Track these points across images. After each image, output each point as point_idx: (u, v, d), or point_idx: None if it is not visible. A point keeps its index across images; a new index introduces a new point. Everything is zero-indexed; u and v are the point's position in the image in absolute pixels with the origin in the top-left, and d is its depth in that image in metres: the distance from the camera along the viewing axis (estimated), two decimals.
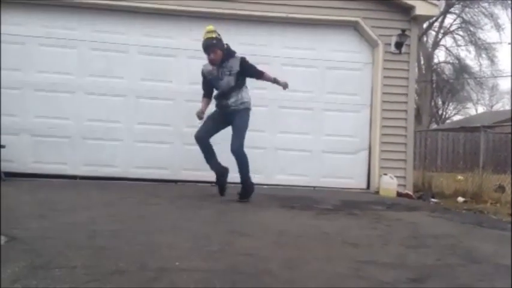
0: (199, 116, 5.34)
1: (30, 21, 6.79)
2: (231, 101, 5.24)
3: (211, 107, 5.51)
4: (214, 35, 5.14)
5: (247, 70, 5.28)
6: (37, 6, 6.78)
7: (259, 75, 5.37)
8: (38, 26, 6.81)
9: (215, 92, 5.39)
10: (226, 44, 5.27)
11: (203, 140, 5.23)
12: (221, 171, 5.30)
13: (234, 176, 5.35)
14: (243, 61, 5.26)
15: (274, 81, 5.44)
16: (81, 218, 3.81)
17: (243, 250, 2.94)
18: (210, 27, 5.23)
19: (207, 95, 5.45)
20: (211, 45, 5.11)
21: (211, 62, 5.22)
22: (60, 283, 2.07)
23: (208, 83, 5.38)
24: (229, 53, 5.25)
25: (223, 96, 5.28)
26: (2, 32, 6.62)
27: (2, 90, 6.62)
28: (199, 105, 5.58)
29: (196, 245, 3.02)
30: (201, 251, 2.87)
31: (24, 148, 6.70)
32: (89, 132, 6.85)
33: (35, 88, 6.78)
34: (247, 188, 5.26)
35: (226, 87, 5.23)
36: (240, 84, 5.26)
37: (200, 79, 5.49)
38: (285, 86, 5.46)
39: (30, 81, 6.76)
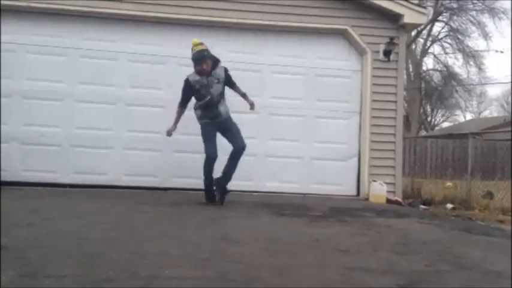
0: (169, 133, 5.63)
1: (21, 29, 6.75)
2: (222, 109, 5.46)
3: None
4: (204, 47, 5.38)
5: (229, 79, 5.56)
6: (27, 14, 6.74)
7: (234, 84, 5.64)
8: (28, 33, 6.77)
9: (202, 102, 5.46)
10: (213, 55, 5.49)
11: (215, 160, 5.40)
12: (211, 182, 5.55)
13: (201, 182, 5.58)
14: (226, 70, 5.54)
15: (244, 95, 5.66)
16: (70, 226, 3.78)
17: (233, 257, 2.94)
18: (196, 40, 5.46)
19: (184, 105, 5.59)
20: (204, 57, 5.32)
21: (201, 72, 5.36)
22: None
23: (192, 93, 5.49)
24: (215, 62, 5.45)
25: (213, 105, 5.42)
26: None
27: None
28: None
29: (186, 253, 3.01)
30: (191, 258, 2.86)
31: (14, 156, 6.64)
32: (79, 140, 6.81)
33: (25, 96, 6.73)
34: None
35: (217, 93, 5.40)
36: (224, 92, 5.54)
37: None
38: (251, 105, 5.66)
39: (20, 89, 6.72)
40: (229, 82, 5.56)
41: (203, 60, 5.31)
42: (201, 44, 5.40)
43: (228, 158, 5.53)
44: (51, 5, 6.66)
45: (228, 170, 5.47)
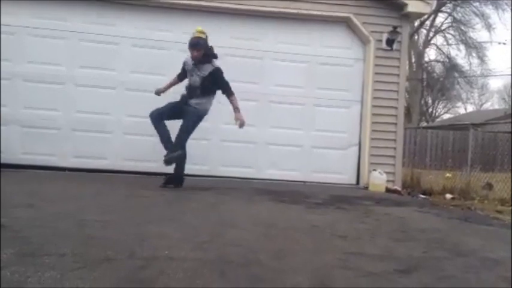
0: (158, 92, 5.73)
1: (21, 12, 6.71)
2: (193, 101, 5.43)
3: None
4: (203, 36, 5.37)
5: (216, 80, 5.41)
6: None
7: (228, 92, 5.48)
8: (28, 16, 6.74)
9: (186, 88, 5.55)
10: (211, 47, 5.44)
11: (152, 116, 5.42)
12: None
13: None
14: (216, 70, 5.42)
15: (235, 109, 5.46)
16: (70, 208, 3.80)
17: (232, 241, 2.95)
18: (200, 28, 5.43)
19: (180, 78, 5.71)
20: (197, 44, 5.33)
21: (192, 58, 5.42)
22: (49, 270, 2.06)
23: (184, 73, 5.63)
24: (208, 57, 5.41)
25: (188, 94, 5.48)
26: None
27: None
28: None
29: (185, 236, 3.02)
30: (191, 241, 2.88)
31: (13, 139, 6.64)
32: (79, 124, 6.81)
33: (25, 79, 6.72)
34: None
35: (194, 85, 5.43)
36: (206, 90, 5.42)
37: None
38: (241, 123, 5.44)
39: (20, 72, 6.70)
40: (216, 84, 5.44)
41: (195, 47, 5.32)
42: (202, 33, 5.38)
43: None
44: None
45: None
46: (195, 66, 5.41)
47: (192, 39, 5.35)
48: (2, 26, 6.60)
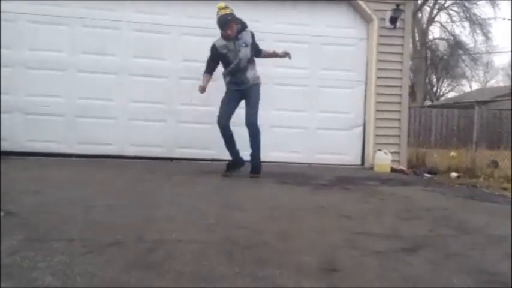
0: (202, 90, 5.40)
1: None
2: (249, 75, 5.35)
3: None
4: (228, 11, 5.21)
5: (255, 44, 5.42)
6: None
7: (261, 52, 5.55)
8: (28, 2, 6.68)
9: (229, 67, 5.33)
10: (239, 18, 5.31)
11: (226, 126, 5.31)
12: (239, 163, 5.45)
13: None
14: (253, 34, 5.40)
15: (274, 54, 5.60)
16: (76, 194, 3.82)
17: (238, 223, 2.97)
18: (222, 4, 5.28)
19: (210, 71, 5.45)
20: (228, 21, 5.18)
21: (226, 37, 5.25)
22: (58, 255, 2.09)
23: (219, 58, 5.36)
24: (243, 27, 5.32)
25: (240, 71, 5.32)
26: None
27: None
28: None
29: (192, 219, 3.05)
30: (197, 224, 2.90)
31: (17, 126, 6.65)
32: (82, 111, 6.80)
33: (27, 66, 6.69)
34: (260, 162, 5.45)
35: (245, 58, 5.30)
36: (253, 58, 5.41)
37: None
38: (286, 54, 5.59)
39: (22, 59, 6.68)
40: (256, 48, 5.44)
41: (227, 24, 5.18)
42: (226, 7, 5.23)
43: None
44: None
45: (252, 143, 5.40)
46: (237, 41, 5.25)
47: (221, 17, 5.18)
48: (3, 13, 6.56)
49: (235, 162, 5.44)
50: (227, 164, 5.49)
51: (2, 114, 6.54)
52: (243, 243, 2.48)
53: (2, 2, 6.54)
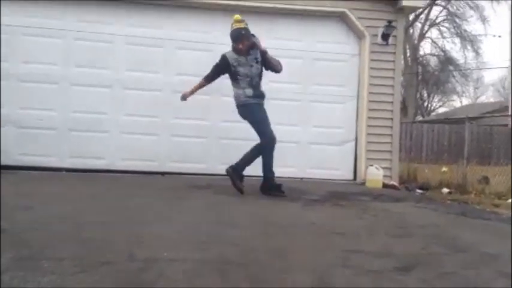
0: (184, 98, 5.41)
1: (15, 11, 6.65)
2: (263, 89, 5.36)
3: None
4: (243, 25, 5.17)
5: (266, 60, 5.30)
6: None
7: (270, 64, 5.37)
8: (22, 16, 6.68)
9: (244, 81, 5.23)
10: (253, 34, 5.25)
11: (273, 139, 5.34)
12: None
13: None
14: (263, 53, 5.26)
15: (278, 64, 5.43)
16: (68, 210, 3.79)
17: (231, 240, 2.96)
18: (238, 16, 5.25)
19: (209, 80, 5.39)
20: (241, 36, 5.13)
21: (238, 51, 5.20)
22: (48, 274, 2.06)
23: (226, 70, 5.29)
24: (254, 43, 5.22)
25: (256, 86, 5.28)
26: None
27: None
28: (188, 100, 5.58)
29: (184, 236, 3.03)
30: (190, 241, 2.88)
31: (9, 140, 6.60)
32: (75, 124, 6.77)
33: (20, 79, 6.67)
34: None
35: (257, 73, 5.27)
36: (262, 74, 5.38)
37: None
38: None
39: (15, 72, 6.65)
40: (265, 63, 5.30)
41: (240, 38, 5.12)
42: (242, 21, 5.18)
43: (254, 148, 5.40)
44: None
45: (268, 159, 5.36)
46: (249, 56, 5.18)
47: (234, 31, 5.14)
48: None
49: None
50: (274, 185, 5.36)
51: None
52: (237, 261, 2.47)
53: None
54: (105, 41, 6.84)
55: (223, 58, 5.27)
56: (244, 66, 5.20)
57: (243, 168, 5.32)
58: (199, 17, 6.97)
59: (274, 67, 5.35)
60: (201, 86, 5.42)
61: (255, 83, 5.25)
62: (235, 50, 5.22)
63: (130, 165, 6.81)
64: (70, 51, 6.81)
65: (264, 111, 5.35)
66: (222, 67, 5.29)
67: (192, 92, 5.42)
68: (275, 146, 5.27)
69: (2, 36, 6.60)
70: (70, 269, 2.16)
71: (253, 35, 5.24)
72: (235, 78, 5.26)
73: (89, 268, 2.19)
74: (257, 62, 5.24)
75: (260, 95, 5.32)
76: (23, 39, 6.69)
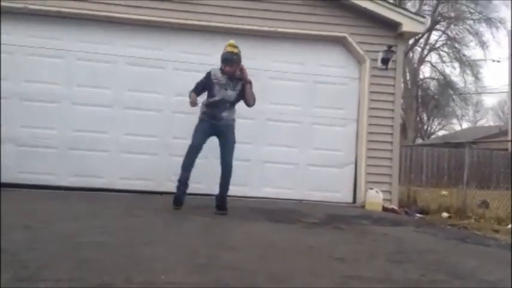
0: (193, 104, 5.30)
1: (18, 31, 6.73)
2: (225, 114, 5.31)
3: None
4: (236, 51, 5.24)
5: (244, 93, 5.33)
6: (24, 16, 6.73)
7: (247, 100, 5.41)
8: (25, 35, 6.76)
9: (211, 100, 5.30)
10: (242, 65, 5.30)
11: (199, 150, 5.30)
12: (186, 185, 5.36)
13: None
14: (246, 82, 5.31)
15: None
16: (66, 229, 3.77)
17: (229, 264, 2.94)
18: (233, 42, 5.32)
19: (196, 93, 5.39)
20: (231, 60, 5.20)
21: (224, 72, 5.27)
22: None
23: (207, 85, 5.34)
24: (242, 69, 5.28)
25: (218, 107, 5.30)
26: None
27: None
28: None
29: (182, 258, 3.00)
30: (187, 264, 2.86)
31: (9, 158, 6.61)
32: (75, 143, 6.79)
33: (21, 97, 6.71)
34: (227, 200, 5.39)
35: (227, 99, 5.30)
36: (235, 103, 5.40)
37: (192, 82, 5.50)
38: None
39: (17, 91, 6.70)
40: (242, 93, 5.34)
41: (229, 62, 5.19)
42: (235, 46, 5.25)
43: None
44: (48, 7, 6.66)
45: (224, 180, 5.37)
46: (230, 81, 5.26)
47: (226, 54, 5.22)
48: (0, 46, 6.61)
49: (182, 196, 5.34)
50: (176, 197, 5.35)
51: None
52: (234, 286, 2.45)
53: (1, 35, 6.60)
54: (107, 61, 6.91)
55: (208, 74, 5.36)
56: (221, 87, 5.27)
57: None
58: (201, 39, 7.04)
59: (247, 100, 5.38)
60: (195, 96, 5.40)
61: (220, 106, 5.29)
62: (222, 70, 5.29)
63: (130, 184, 6.79)
64: (71, 71, 6.87)
65: (202, 126, 5.35)
66: (204, 83, 5.37)
67: (195, 97, 5.37)
68: (193, 150, 5.32)
69: (3, 55, 6.65)
70: None
71: (243, 66, 5.30)
72: (209, 95, 5.36)
73: None
74: (233, 90, 5.29)
75: (214, 117, 5.31)
76: (25, 59, 6.75)
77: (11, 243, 2.99)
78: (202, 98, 5.44)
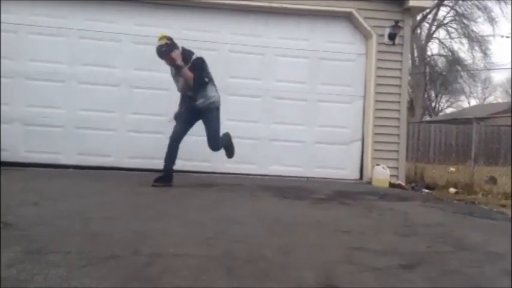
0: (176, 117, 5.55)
1: (21, 10, 6.71)
2: (199, 101, 5.30)
3: None
4: (163, 42, 5.17)
5: (197, 68, 5.23)
6: None
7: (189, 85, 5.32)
8: (29, 14, 6.74)
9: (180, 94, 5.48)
10: (182, 48, 5.26)
11: (177, 144, 5.43)
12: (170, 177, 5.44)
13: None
14: (198, 60, 5.25)
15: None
16: (74, 206, 3.82)
17: (237, 237, 2.97)
18: (160, 34, 5.28)
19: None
20: (161, 53, 5.19)
21: (170, 65, 5.30)
22: (55, 267, 2.08)
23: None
24: (185, 56, 5.22)
25: (185, 100, 5.42)
26: None
27: None
28: None
29: (190, 232, 3.04)
30: (195, 237, 2.89)
31: (16, 137, 6.66)
32: (82, 122, 6.82)
33: (27, 77, 6.73)
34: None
35: (186, 90, 5.33)
36: (200, 84, 5.25)
37: None
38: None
39: (22, 70, 6.71)
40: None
41: (163, 55, 5.19)
42: (163, 37, 5.18)
43: None
44: None
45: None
46: (177, 72, 5.27)
47: (156, 50, 5.18)
48: (2, 25, 6.60)
49: (168, 175, 5.41)
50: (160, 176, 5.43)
51: (2, 125, 6.55)
52: (242, 258, 2.48)
53: (3, 14, 6.58)
54: (112, 40, 6.89)
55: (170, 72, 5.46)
56: (176, 81, 5.40)
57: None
58: (207, 16, 6.99)
59: (188, 85, 5.28)
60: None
61: (185, 97, 5.37)
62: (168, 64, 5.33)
63: (137, 163, 6.83)
64: (76, 50, 6.86)
65: (181, 120, 5.43)
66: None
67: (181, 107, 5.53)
68: (171, 143, 5.43)
69: (9, 34, 6.64)
70: (76, 262, 2.18)
71: (182, 48, 5.25)
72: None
73: (94, 261, 2.21)
74: (182, 78, 5.28)
75: (188, 106, 5.37)
76: (30, 38, 6.76)
77: (20, 219, 3.04)
78: None
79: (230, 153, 5.73)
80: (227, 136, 5.63)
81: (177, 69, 5.23)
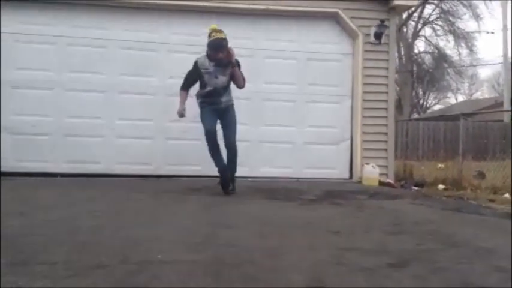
0: (182, 114, 5.33)
1: (7, 18, 6.63)
2: (224, 99, 5.28)
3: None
4: (223, 36, 5.09)
5: (233, 75, 5.25)
6: (13, 2, 6.63)
7: (237, 81, 5.34)
8: (15, 22, 6.67)
9: (204, 90, 5.28)
10: (229, 47, 5.16)
11: (214, 133, 5.19)
12: (225, 167, 5.30)
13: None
14: (234, 65, 5.20)
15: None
16: (62, 214, 3.78)
17: (227, 241, 2.96)
18: (215, 26, 5.19)
19: (187, 87, 5.39)
20: (222, 47, 5.05)
21: (213, 59, 5.15)
22: (41, 279, 2.05)
23: (197, 76, 5.28)
24: (231, 54, 5.14)
25: (213, 96, 5.25)
26: None
27: None
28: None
29: (179, 238, 3.02)
30: (184, 243, 2.88)
31: (4, 146, 6.58)
32: (70, 129, 6.75)
33: (13, 85, 6.65)
34: (235, 179, 5.40)
35: (221, 87, 5.24)
36: (228, 86, 5.34)
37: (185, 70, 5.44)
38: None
39: (9, 79, 6.63)
40: (232, 75, 5.25)
41: (220, 49, 5.04)
42: (220, 31, 5.11)
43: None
44: None
45: (230, 161, 5.34)
46: (218, 67, 5.14)
47: (216, 41, 5.03)
48: None
49: (227, 176, 5.29)
50: (223, 182, 5.31)
51: None
52: (231, 262, 2.47)
53: None
54: (98, 46, 6.83)
55: (195, 64, 5.28)
56: (210, 75, 5.19)
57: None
58: (193, 20, 6.95)
59: (237, 82, 5.31)
60: (184, 96, 5.39)
61: (215, 94, 5.23)
62: (210, 57, 5.17)
63: (126, 169, 6.78)
64: (63, 57, 6.79)
65: (206, 110, 5.29)
66: (193, 74, 5.30)
67: (183, 104, 5.36)
68: (212, 136, 5.17)
69: None
70: (63, 272, 2.16)
71: (231, 48, 5.16)
72: (201, 86, 5.32)
73: (82, 271, 2.18)
74: (224, 75, 5.21)
75: (213, 103, 5.26)
76: (15, 46, 6.67)
77: (7, 229, 3.00)
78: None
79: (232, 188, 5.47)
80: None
81: (227, 65, 5.13)
